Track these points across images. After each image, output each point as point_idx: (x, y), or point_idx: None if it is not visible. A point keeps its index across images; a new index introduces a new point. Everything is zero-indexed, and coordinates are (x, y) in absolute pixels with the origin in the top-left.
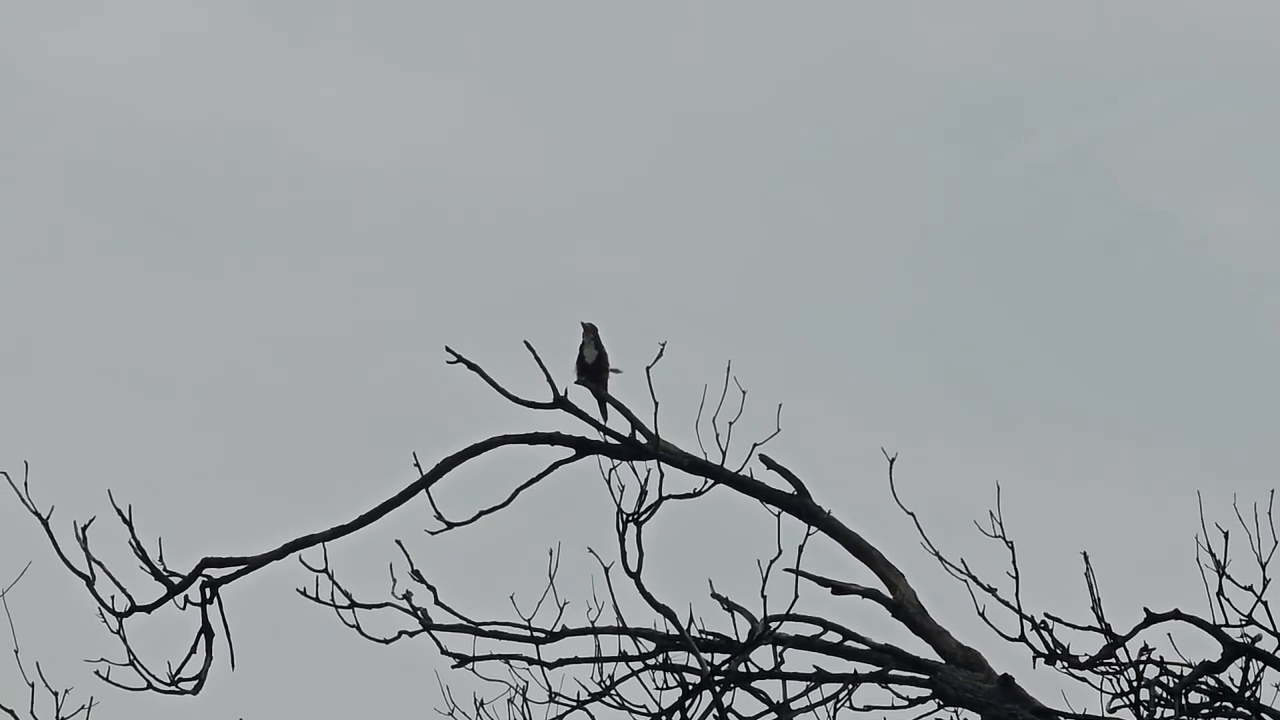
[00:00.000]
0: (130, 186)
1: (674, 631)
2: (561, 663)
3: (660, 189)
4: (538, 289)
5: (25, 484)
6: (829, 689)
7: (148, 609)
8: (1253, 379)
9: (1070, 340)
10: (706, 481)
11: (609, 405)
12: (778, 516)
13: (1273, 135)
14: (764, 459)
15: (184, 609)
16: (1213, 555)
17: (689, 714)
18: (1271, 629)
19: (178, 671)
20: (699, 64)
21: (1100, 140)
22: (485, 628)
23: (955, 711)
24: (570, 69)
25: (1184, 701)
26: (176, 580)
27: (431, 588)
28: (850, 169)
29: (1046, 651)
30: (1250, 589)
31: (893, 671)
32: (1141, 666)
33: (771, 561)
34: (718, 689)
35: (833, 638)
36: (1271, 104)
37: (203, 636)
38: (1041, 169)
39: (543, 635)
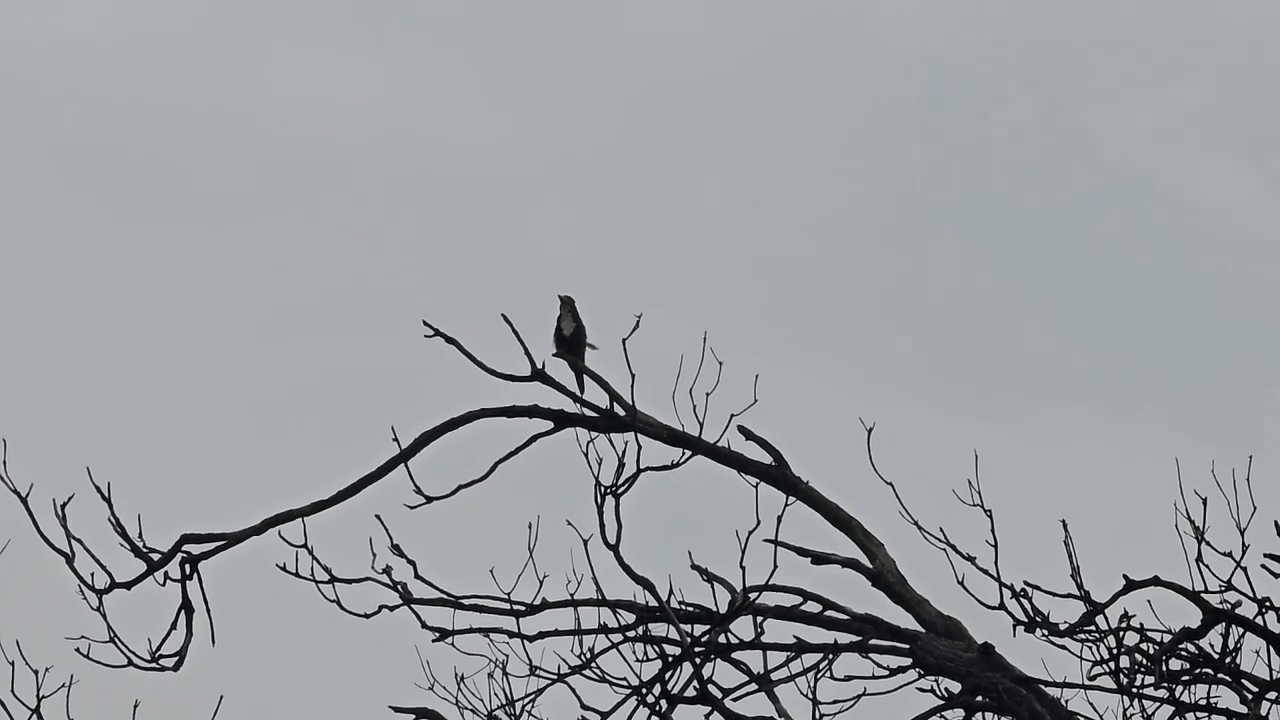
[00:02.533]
0: (102, 160)
1: (654, 603)
2: (542, 635)
3: (628, 157)
4: (510, 261)
5: (3, 461)
6: (809, 659)
7: (127, 586)
8: (1229, 345)
9: (1046, 307)
10: (684, 453)
11: (586, 378)
12: (756, 487)
13: (1244, 101)
14: (742, 430)
15: (164, 585)
16: (1191, 522)
17: (670, 685)
18: (1251, 595)
19: (158, 648)
20: (665, 30)
21: (1070, 107)
22: (465, 601)
23: (936, 680)
24: (535, 34)
25: (1164, 668)
26: (156, 557)
27: (411, 562)
28: (820, 137)
29: (1026, 619)
30: (1229, 555)
31: (873, 641)
32: (1121, 633)
33: (750, 532)
34: (698, 660)
35: (813, 608)
36: (1242, 70)
37: (183, 613)
38: (1012, 136)
39: (523, 608)
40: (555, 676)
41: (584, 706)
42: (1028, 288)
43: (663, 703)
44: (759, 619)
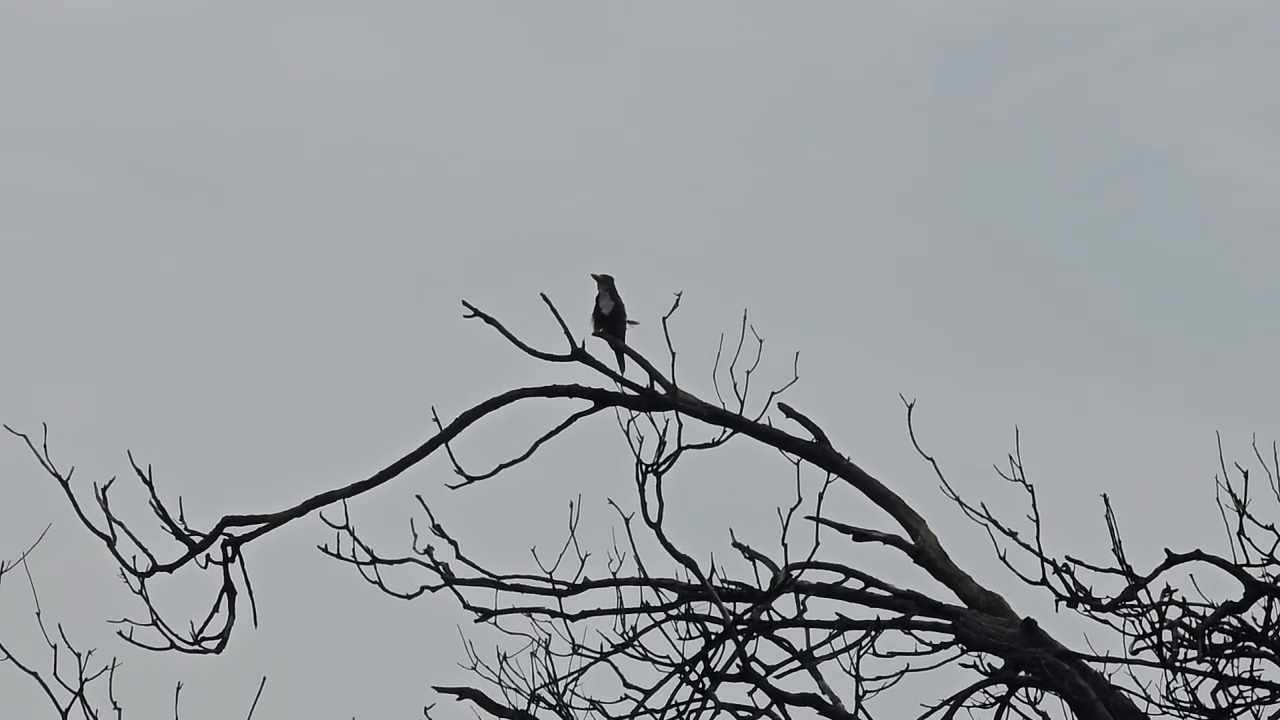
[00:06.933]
0: (133, 145)
1: (696, 581)
2: (584, 615)
3: (646, 135)
4: (540, 241)
5: (45, 446)
6: (852, 636)
7: (169, 569)
8: (1266, 316)
9: (1077, 280)
10: (725, 431)
11: (626, 356)
12: (797, 464)
13: (1271, 70)
14: (783, 407)
15: (205, 568)
16: (1233, 495)
17: (712, 663)
18: None
19: (200, 630)
20: (685, 8)
21: (1093, 77)
22: (507, 581)
23: (978, 656)
24: (557, 12)
25: (1206, 642)
26: (198, 539)
27: (453, 542)
28: (839, 112)
29: (1068, 594)
30: (1271, 528)
31: (915, 618)
32: (1163, 608)
33: (792, 509)
34: (740, 638)
35: (855, 585)
36: (1269, 38)
37: (225, 595)
38: (1036, 106)
39: (565, 588)
40: (598, 655)
41: (627, 685)
42: (1056, 261)
43: (706, 680)
44: (801, 596)
